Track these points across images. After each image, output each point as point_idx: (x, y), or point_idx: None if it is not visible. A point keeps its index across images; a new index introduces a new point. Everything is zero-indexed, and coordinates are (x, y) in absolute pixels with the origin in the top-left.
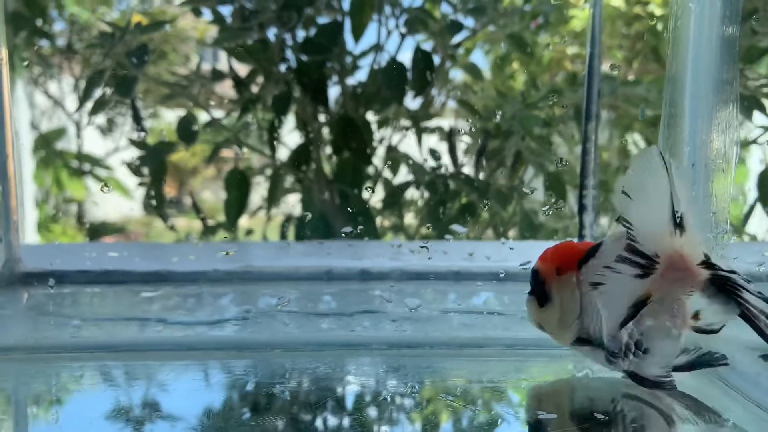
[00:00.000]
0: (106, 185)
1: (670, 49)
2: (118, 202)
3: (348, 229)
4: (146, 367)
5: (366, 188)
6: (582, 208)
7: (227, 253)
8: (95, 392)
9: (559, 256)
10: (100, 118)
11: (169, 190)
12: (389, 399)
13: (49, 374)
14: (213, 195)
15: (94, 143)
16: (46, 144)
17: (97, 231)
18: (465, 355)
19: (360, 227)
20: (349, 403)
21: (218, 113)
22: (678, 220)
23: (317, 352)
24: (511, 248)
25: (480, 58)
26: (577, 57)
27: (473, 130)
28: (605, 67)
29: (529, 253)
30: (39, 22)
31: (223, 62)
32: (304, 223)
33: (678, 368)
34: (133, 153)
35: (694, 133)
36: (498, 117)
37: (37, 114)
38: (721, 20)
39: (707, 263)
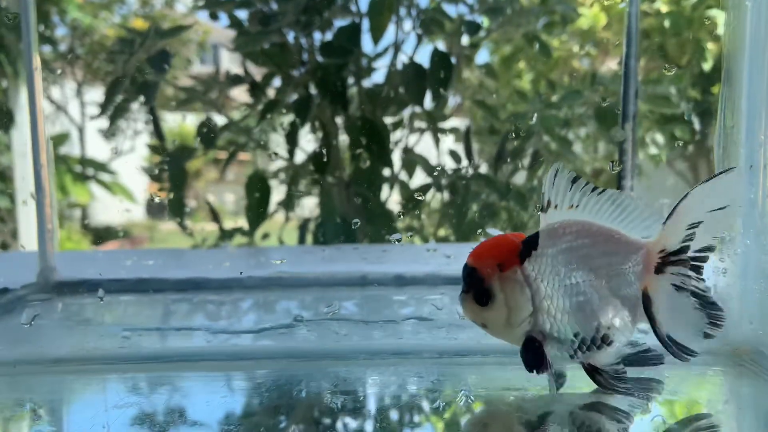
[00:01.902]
0: (156, 194)
1: (725, 50)
2: (121, 206)
3: (398, 236)
4: (196, 378)
5: (417, 195)
6: None
7: (281, 261)
8: (146, 403)
9: (499, 251)
10: (107, 122)
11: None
12: (442, 408)
13: (91, 385)
14: (217, 198)
15: (96, 147)
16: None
17: (101, 235)
18: (516, 363)
19: (410, 233)
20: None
21: (234, 117)
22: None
23: (368, 360)
24: None
25: (495, 58)
26: (586, 55)
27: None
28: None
29: None
30: (41, 28)
31: (226, 62)
32: (323, 226)
33: (625, 359)
34: (139, 157)
35: (751, 134)
36: (518, 117)
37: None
38: None
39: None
